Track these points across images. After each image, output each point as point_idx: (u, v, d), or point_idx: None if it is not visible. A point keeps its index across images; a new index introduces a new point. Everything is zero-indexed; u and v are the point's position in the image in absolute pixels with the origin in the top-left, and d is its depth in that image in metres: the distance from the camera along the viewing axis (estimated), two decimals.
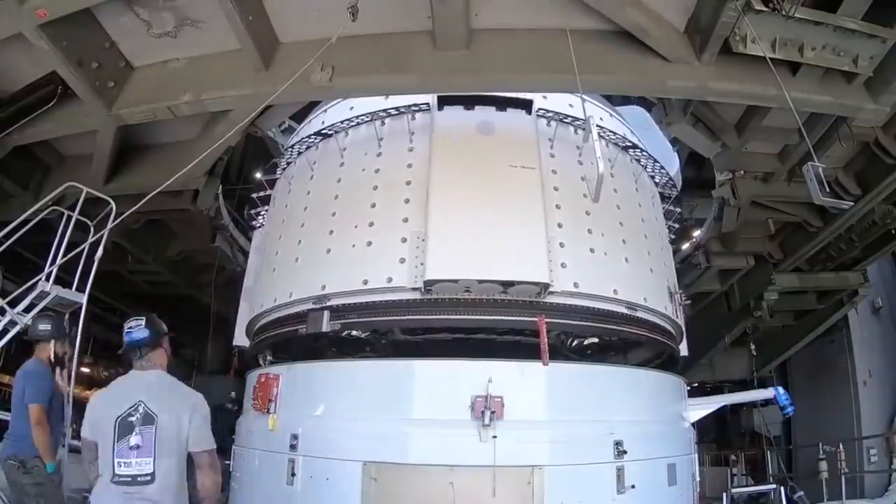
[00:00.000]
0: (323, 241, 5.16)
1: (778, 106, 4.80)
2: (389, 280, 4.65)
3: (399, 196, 5.03)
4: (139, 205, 4.23)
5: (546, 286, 4.53)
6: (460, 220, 4.68)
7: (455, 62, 4.70)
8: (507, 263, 4.53)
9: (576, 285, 4.68)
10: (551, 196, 5.01)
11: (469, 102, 5.39)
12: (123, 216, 4.23)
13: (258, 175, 10.89)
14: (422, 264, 4.52)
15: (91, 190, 4.61)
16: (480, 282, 4.51)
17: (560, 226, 4.90)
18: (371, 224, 4.96)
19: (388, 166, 5.29)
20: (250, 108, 4.72)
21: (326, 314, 4.75)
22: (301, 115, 8.81)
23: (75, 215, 4.45)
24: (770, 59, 4.08)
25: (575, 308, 4.74)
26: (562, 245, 4.79)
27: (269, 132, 10.21)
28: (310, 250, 5.26)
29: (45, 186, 6.45)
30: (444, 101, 5.38)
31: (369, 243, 4.87)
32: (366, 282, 4.71)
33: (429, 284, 4.49)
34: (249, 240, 7.60)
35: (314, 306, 4.93)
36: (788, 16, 3.98)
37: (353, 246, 4.91)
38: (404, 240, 4.75)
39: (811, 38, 4.24)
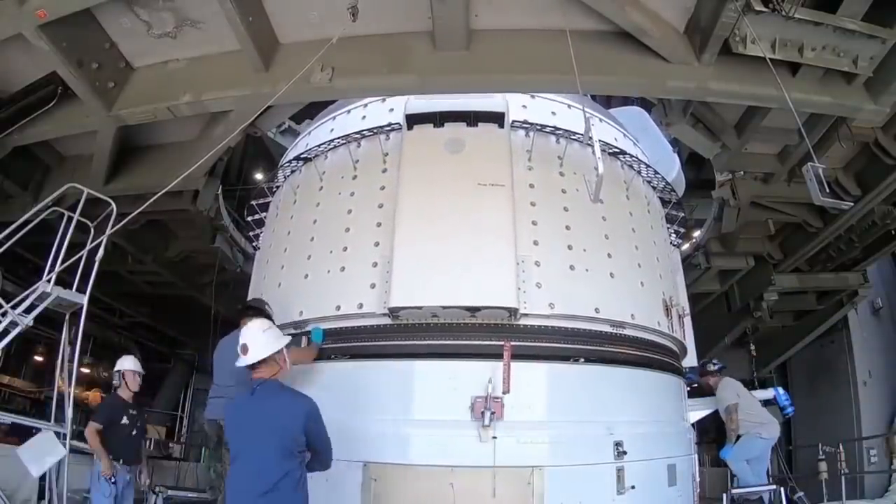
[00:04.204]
0: (301, 266, 5.11)
1: (778, 106, 4.79)
2: (360, 306, 4.57)
3: (372, 220, 4.91)
4: (142, 208, 4.23)
5: (514, 310, 4.36)
6: (426, 245, 4.53)
7: (455, 63, 4.70)
8: (473, 288, 4.38)
9: (551, 306, 4.49)
10: (527, 213, 4.79)
11: (438, 120, 5.18)
12: (126, 220, 4.23)
13: (258, 175, 10.94)
14: (386, 291, 4.43)
15: (92, 191, 4.61)
16: (445, 308, 4.40)
17: (536, 243, 4.69)
18: (345, 249, 4.88)
19: (362, 189, 5.18)
20: (250, 109, 4.72)
21: (304, 340, 4.73)
22: (301, 116, 8.84)
23: (76, 216, 4.45)
24: (770, 59, 4.07)
25: (551, 330, 4.54)
26: (537, 264, 4.59)
27: (269, 133, 10.23)
28: (291, 276, 5.22)
29: (45, 187, 6.46)
30: (413, 120, 5.22)
31: (343, 268, 4.80)
32: (338, 307, 4.65)
33: (394, 311, 4.41)
34: (249, 240, 7.59)
35: (294, 332, 4.92)
36: (788, 16, 3.98)
37: (328, 272, 4.85)
38: (375, 264, 4.66)
39: (811, 39, 4.24)
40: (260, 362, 3.04)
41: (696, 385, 6.30)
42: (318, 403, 3.12)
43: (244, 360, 3.05)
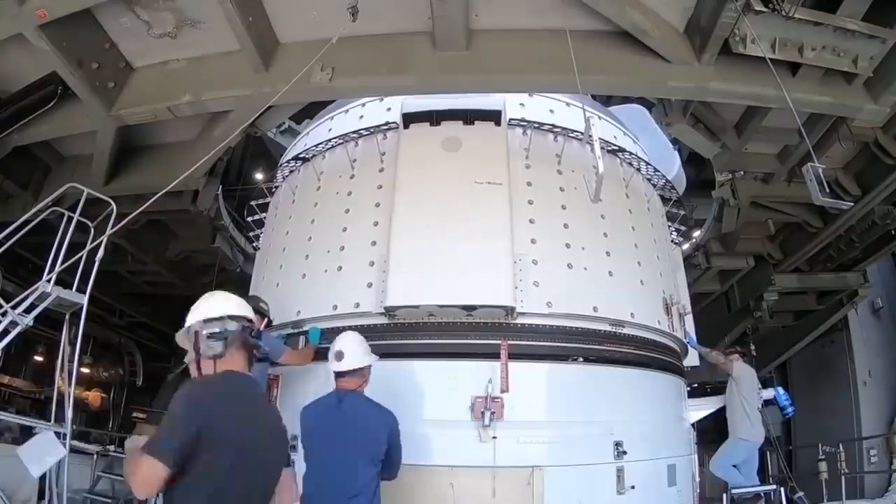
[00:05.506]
0: (299, 266, 5.11)
1: (778, 106, 4.80)
2: (357, 305, 4.56)
3: (369, 219, 4.90)
4: (142, 208, 4.23)
5: (511, 309, 4.34)
6: (422, 243, 4.52)
7: (455, 63, 4.70)
8: (470, 287, 4.36)
9: (549, 305, 4.48)
10: (524, 211, 4.78)
11: (435, 118, 5.16)
12: (125, 220, 4.23)
13: (258, 175, 10.93)
14: (383, 290, 4.42)
15: (92, 191, 4.61)
16: (442, 307, 4.39)
17: (534, 242, 4.68)
18: (342, 248, 4.88)
19: (359, 189, 5.18)
20: (250, 109, 4.72)
21: (302, 339, 4.73)
22: (301, 116, 8.83)
23: (76, 216, 4.45)
24: (770, 59, 4.07)
25: (549, 329, 4.52)
26: (535, 262, 4.58)
27: (269, 133, 10.23)
28: (289, 275, 5.22)
29: (46, 187, 6.46)
30: (409, 119, 5.19)
31: (340, 268, 4.80)
32: (335, 307, 4.65)
33: (390, 310, 4.39)
34: (249, 240, 7.59)
35: (293, 331, 4.94)
36: (788, 16, 3.98)
37: (326, 271, 4.85)
38: (372, 264, 4.65)
39: (811, 39, 4.24)
40: (349, 372, 3.23)
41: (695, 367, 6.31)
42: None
43: (338, 367, 3.21)
